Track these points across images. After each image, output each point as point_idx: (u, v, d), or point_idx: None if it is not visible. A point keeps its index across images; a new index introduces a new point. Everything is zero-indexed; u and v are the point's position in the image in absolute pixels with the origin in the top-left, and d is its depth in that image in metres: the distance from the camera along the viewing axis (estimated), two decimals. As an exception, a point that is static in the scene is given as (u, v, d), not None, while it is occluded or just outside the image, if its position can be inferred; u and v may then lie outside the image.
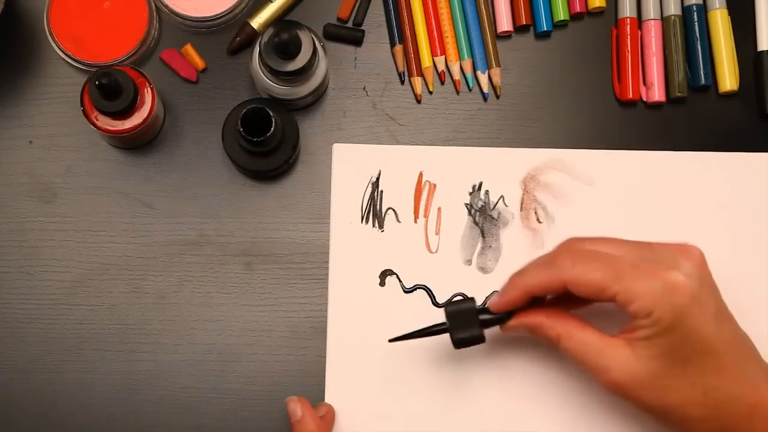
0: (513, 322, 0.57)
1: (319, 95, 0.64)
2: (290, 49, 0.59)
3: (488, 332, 0.58)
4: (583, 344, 0.55)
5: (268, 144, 0.60)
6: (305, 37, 0.59)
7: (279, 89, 0.61)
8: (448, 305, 0.58)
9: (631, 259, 0.53)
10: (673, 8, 0.65)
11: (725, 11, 0.66)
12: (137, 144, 0.64)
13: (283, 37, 0.58)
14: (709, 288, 0.54)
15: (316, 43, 0.60)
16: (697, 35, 0.65)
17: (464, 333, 0.57)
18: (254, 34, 0.65)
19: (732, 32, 0.65)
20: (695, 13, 0.65)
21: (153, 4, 0.64)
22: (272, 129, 0.59)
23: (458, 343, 0.58)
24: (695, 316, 0.52)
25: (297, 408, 0.59)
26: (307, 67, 0.59)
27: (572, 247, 0.55)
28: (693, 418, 0.53)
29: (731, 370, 0.53)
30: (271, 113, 0.59)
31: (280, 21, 0.60)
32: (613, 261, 0.53)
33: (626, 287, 0.52)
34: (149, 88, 0.61)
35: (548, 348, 0.58)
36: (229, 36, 0.65)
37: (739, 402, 0.53)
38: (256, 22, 0.65)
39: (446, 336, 0.58)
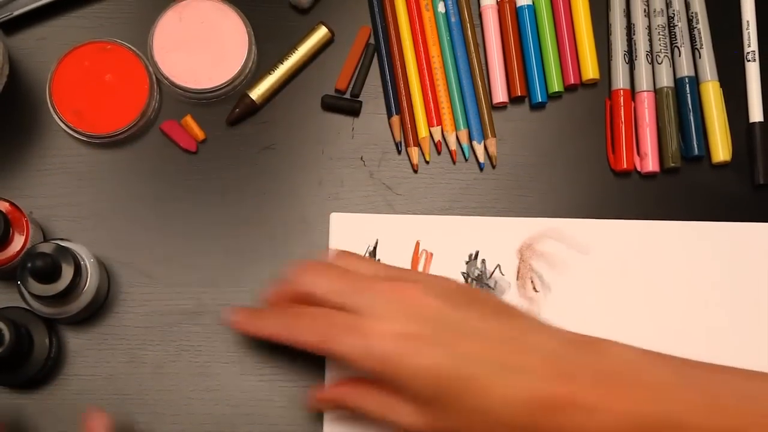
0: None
1: (97, 306, 0.62)
2: (48, 275, 0.56)
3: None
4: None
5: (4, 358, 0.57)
6: (67, 257, 0.56)
7: (47, 310, 0.59)
8: None
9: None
10: (665, 80, 0.66)
11: (717, 83, 0.66)
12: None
13: (38, 263, 0.55)
14: (424, 320, 0.53)
15: (84, 259, 0.58)
16: (690, 107, 0.66)
17: None
18: (253, 105, 0.66)
19: (724, 103, 0.66)
20: (687, 85, 0.66)
21: (154, 77, 0.65)
22: (6, 343, 0.56)
23: None
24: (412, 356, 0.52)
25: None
26: (71, 287, 0.57)
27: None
28: None
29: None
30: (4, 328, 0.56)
31: (39, 245, 0.57)
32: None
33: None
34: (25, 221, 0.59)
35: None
36: (228, 107, 0.66)
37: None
38: (255, 93, 0.66)
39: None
